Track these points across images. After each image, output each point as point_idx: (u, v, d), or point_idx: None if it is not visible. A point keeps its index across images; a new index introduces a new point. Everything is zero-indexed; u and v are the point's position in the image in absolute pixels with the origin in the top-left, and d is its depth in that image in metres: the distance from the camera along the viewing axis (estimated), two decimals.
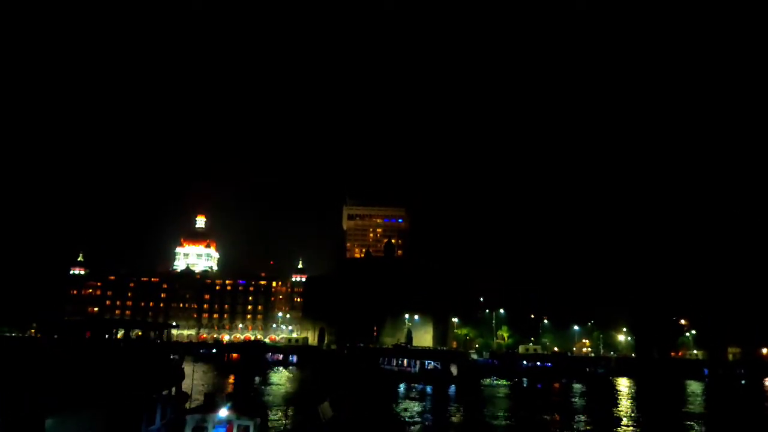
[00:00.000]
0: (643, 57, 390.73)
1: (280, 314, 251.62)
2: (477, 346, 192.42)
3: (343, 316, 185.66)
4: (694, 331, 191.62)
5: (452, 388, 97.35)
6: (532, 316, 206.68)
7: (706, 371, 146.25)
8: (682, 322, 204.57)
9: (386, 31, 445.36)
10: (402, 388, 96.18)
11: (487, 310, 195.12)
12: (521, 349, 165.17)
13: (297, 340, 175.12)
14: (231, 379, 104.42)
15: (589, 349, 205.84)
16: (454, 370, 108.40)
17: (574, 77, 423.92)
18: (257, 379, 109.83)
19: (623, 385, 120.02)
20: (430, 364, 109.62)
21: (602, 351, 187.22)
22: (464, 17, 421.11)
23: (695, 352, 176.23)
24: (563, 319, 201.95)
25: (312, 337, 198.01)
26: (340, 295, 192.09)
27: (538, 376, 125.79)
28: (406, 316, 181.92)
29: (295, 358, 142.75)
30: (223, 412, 28.78)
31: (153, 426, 29.01)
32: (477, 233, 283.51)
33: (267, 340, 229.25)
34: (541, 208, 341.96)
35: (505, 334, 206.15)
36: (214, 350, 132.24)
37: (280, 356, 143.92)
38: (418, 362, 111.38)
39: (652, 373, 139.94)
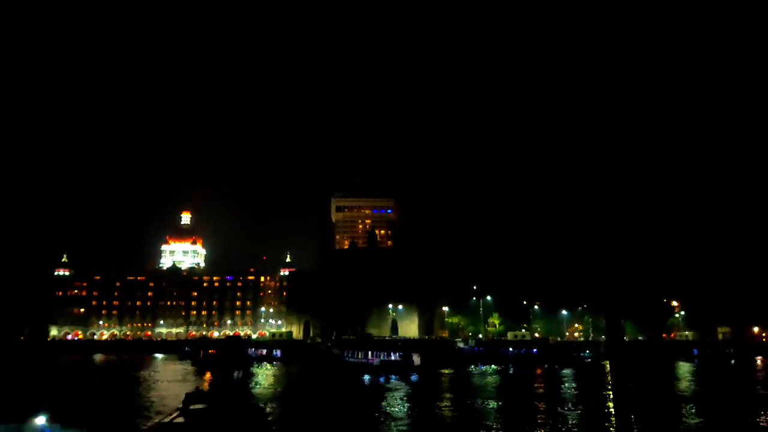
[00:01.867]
0: (643, 56, 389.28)
1: (263, 309, 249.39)
2: (470, 334, 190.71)
3: (327, 309, 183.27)
4: (683, 312, 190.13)
5: (414, 377, 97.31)
6: (525, 302, 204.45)
7: (696, 352, 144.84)
8: (674, 303, 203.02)
9: (377, 25, 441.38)
10: (367, 379, 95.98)
11: (474, 298, 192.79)
12: (510, 335, 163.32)
13: (281, 334, 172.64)
14: (208, 376, 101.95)
15: (581, 334, 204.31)
16: (416, 359, 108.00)
17: (573, 75, 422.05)
18: (236, 374, 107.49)
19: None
20: (393, 356, 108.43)
21: (592, 336, 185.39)
22: (464, 16, 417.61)
23: (686, 333, 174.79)
24: (554, 305, 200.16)
25: (297, 331, 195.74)
26: (324, 287, 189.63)
27: (523, 362, 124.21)
28: (390, 306, 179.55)
29: (279, 353, 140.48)
30: (40, 421, 25.87)
31: None
32: (467, 221, 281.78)
33: (257, 336, 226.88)
34: (531, 194, 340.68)
35: (496, 321, 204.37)
36: (186, 348, 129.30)
37: (264, 351, 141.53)
38: (381, 354, 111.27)
39: (642, 356, 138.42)
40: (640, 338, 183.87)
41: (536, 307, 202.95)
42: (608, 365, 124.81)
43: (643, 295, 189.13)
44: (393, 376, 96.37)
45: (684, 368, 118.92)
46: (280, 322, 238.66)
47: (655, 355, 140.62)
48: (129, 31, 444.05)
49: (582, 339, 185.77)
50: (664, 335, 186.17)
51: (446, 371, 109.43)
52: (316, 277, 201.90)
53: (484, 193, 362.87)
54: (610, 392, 77.32)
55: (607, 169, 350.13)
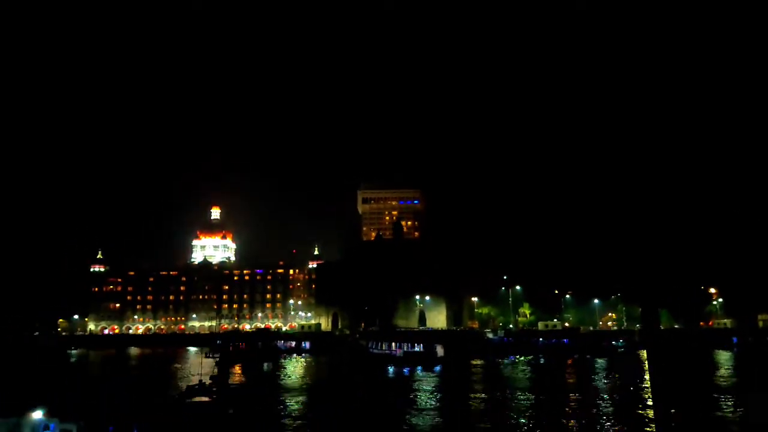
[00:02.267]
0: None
1: (291, 301, 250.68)
2: (501, 324, 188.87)
3: (354, 301, 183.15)
4: (721, 300, 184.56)
5: (437, 368, 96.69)
6: (556, 291, 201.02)
7: (735, 340, 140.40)
8: (711, 290, 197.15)
9: (403, 19, 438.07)
10: (391, 370, 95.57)
11: (503, 288, 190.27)
12: (540, 325, 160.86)
13: (310, 326, 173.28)
14: (238, 369, 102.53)
15: (614, 323, 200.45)
16: (440, 350, 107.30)
17: (574, 76, 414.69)
18: (266, 366, 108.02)
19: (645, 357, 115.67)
20: (417, 347, 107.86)
21: (626, 324, 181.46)
22: (470, 13, 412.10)
23: (724, 321, 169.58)
24: (586, 294, 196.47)
25: (325, 323, 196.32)
26: (351, 279, 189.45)
27: (554, 352, 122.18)
28: (417, 297, 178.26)
29: (307, 345, 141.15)
30: (37, 415, 25.62)
31: None
32: (496, 210, 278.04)
33: (287, 328, 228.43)
34: (562, 181, 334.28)
35: (527, 311, 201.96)
36: (218, 341, 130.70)
37: (293, 343, 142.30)
38: (405, 345, 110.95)
39: (679, 344, 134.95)
40: (676, 326, 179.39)
41: (568, 296, 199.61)
42: (643, 354, 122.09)
43: (679, 283, 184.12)
44: (418, 368, 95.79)
45: (723, 357, 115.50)
46: (309, 314, 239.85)
47: (693, 344, 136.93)
48: (156, 27, 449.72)
49: (615, 328, 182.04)
50: (701, 323, 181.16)
51: (477, 362, 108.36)
52: (343, 269, 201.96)
53: (513, 181, 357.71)
54: (646, 382, 75.18)
55: (642, 155, 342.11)
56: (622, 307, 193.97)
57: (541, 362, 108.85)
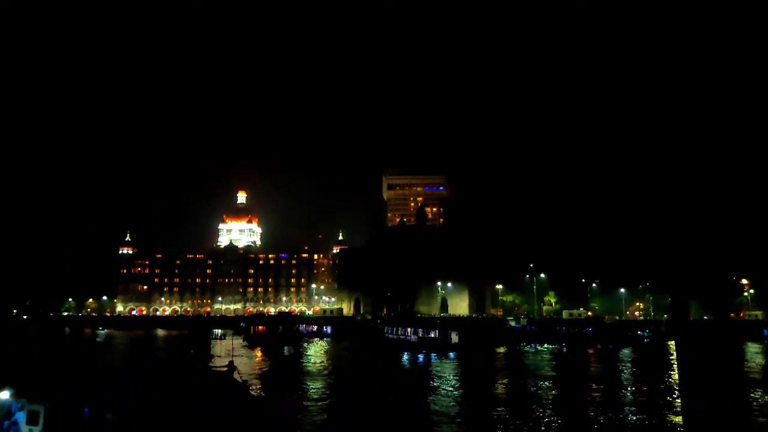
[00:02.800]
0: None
1: (314, 286, 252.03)
2: (525, 312, 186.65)
3: (376, 286, 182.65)
4: (753, 291, 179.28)
5: (452, 355, 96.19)
6: (583, 280, 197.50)
7: (766, 332, 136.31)
8: (743, 281, 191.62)
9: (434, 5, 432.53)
10: (406, 357, 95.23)
11: (527, 276, 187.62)
12: (565, 314, 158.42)
13: (332, 311, 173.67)
14: (257, 351, 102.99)
15: (641, 312, 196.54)
16: (454, 337, 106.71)
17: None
18: (287, 350, 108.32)
19: (674, 348, 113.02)
20: (432, 333, 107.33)
21: (653, 314, 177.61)
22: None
23: (756, 312, 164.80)
24: (613, 283, 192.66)
25: (347, 308, 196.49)
26: (373, 265, 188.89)
27: (577, 341, 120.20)
28: (439, 284, 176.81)
29: (329, 329, 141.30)
30: (4, 395, 24.46)
31: None
32: (521, 196, 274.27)
33: (311, 312, 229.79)
34: (588, 166, 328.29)
35: (552, 300, 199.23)
36: (242, 324, 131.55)
37: (314, 328, 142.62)
38: (420, 330, 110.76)
39: (708, 336, 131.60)
40: (705, 317, 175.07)
41: (594, 285, 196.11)
42: (670, 345, 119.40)
43: (709, 273, 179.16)
44: (433, 355, 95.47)
45: (753, 349, 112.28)
46: (333, 299, 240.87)
47: (723, 335, 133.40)
48: (193, 16, 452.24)
49: (642, 318, 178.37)
50: (731, 314, 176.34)
51: (500, 350, 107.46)
52: (366, 255, 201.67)
53: (539, 168, 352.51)
54: (672, 373, 73.21)
55: (675, 141, 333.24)
56: (649, 297, 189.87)
57: (564, 351, 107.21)
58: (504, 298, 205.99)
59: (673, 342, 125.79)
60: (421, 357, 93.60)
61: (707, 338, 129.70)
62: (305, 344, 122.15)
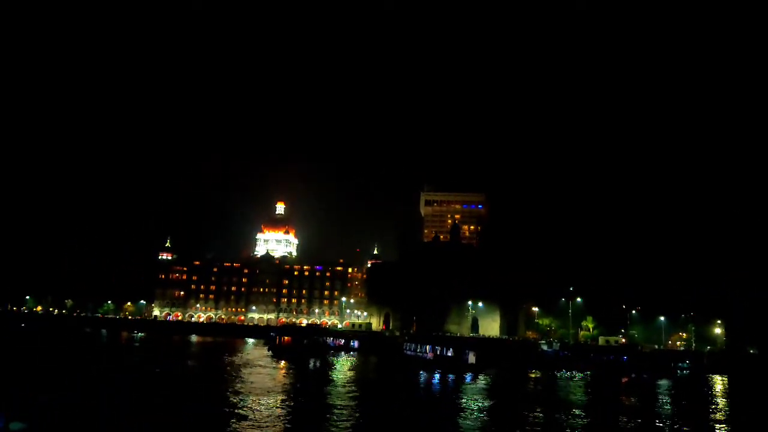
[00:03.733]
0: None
1: (344, 299, 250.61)
2: (557, 337, 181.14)
3: (406, 303, 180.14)
4: None
5: (468, 376, 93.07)
6: (624, 306, 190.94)
7: None
8: None
9: (473, 21, 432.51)
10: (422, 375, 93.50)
11: (563, 299, 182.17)
12: (601, 340, 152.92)
13: (360, 325, 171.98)
14: (283, 364, 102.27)
15: (683, 343, 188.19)
16: (472, 357, 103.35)
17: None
18: (312, 363, 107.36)
19: (718, 383, 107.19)
20: (447, 351, 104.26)
21: (694, 345, 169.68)
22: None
23: None
24: (655, 311, 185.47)
25: (376, 323, 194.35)
26: (404, 280, 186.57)
27: (611, 369, 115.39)
28: (470, 303, 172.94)
29: (356, 344, 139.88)
30: None
31: None
32: (561, 219, 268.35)
33: (342, 326, 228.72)
34: (632, 188, 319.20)
35: (590, 325, 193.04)
36: (272, 333, 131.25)
37: (342, 341, 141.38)
38: (438, 348, 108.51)
39: (750, 370, 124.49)
40: (750, 351, 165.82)
41: (635, 312, 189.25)
42: (714, 379, 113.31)
43: (754, 302, 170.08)
44: (450, 375, 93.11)
45: None
46: (365, 313, 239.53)
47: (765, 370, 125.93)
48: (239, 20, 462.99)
49: (683, 348, 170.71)
50: None
51: (533, 374, 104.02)
52: (397, 270, 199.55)
53: (580, 191, 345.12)
54: (713, 410, 68.87)
55: (722, 162, 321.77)
56: (691, 327, 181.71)
57: (593, 378, 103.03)
58: (540, 321, 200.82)
59: (716, 375, 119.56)
60: (436, 377, 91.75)
61: (748, 372, 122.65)
62: (332, 358, 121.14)
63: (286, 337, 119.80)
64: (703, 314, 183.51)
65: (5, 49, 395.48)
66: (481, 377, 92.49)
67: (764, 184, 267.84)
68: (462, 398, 67.66)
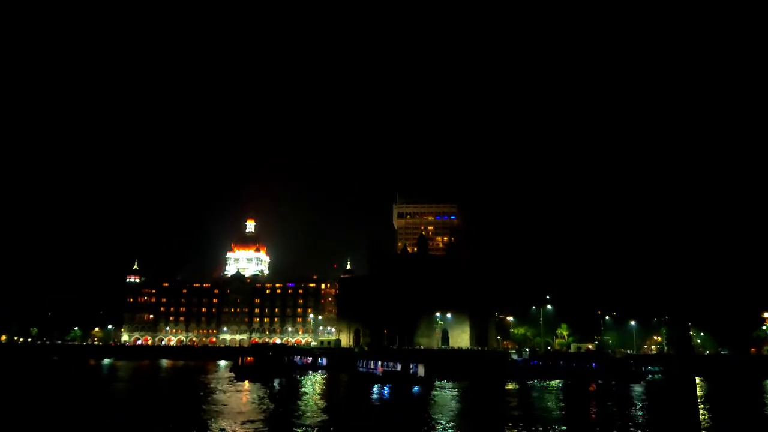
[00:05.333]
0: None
1: (320, 317, 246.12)
2: (532, 346, 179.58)
3: (375, 317, 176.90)
4: None
5: (416, 389, 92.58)
6: (599, 312, 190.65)
7: None
8: (765, 315, 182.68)
9: (452, 29, 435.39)
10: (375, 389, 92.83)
11: (533, 307, 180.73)
12: (573, 347, 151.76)
13: (329, 342, 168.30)
14: (246, 385, 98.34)
15: (657, 347, 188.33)
16: (420, 370, 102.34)
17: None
18: (277, 383, 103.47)
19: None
20: (397, 366, 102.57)
21: (666, 349, 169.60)
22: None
23: None
24: (628, 316, 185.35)
25: (346, 339, 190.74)
26: (373, 294, 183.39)
27: (580, 376, 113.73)
28: (438, 314, 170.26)
29: (324, 361, 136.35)
30: None
31: None
32: (533, 227, 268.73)
33: (315, 343, 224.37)
34: (601, 196, 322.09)
35: (565, 332, 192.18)
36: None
37: (309, 359, 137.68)
38: (388, 364, 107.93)
39: (726, 373, 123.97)
40: (722, 352, 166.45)
41: (608, 317, 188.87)
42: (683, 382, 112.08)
43: (725, 304, 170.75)
44: (415, 388, 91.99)
45: None
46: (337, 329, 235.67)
47: (740, 372, 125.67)
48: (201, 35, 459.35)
49: (655, 352, 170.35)
50: (752, 350, 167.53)
51: (511, 386, 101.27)
52: (366, 284, 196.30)
53: (551, 199, 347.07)
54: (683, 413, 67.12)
55: (686, 168, 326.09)
56: (663, 331, 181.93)
57: (563, 387, 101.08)
58: (515, 331, 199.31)
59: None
60: (386, 390, 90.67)
61: (722, 374, 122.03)
62: (299, 376, 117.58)
63: (249, 357, 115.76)
64: (674, 317, 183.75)
65: (13, 54, 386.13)
66: (436, 390, 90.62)
67: (731, 188, 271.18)
68: (416, 413, 65.33)
